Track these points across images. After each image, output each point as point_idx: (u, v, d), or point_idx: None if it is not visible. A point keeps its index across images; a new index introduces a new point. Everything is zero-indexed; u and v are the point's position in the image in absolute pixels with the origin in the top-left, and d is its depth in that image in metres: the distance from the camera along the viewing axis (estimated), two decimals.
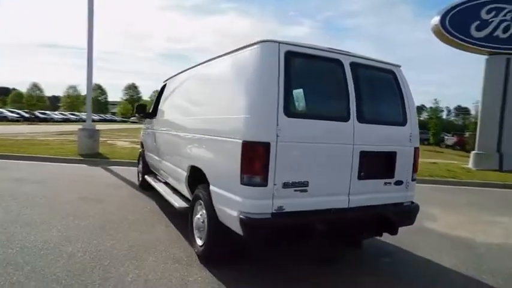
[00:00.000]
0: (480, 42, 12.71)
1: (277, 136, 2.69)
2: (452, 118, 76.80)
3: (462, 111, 72.62)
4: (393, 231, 3.23)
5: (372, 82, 3.28)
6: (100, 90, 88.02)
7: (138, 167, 7.03)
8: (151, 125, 5.89)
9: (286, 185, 2.75)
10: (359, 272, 3.46)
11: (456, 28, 12.79)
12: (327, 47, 3.11)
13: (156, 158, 5.50)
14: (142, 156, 6.71)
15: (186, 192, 4.12)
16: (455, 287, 3.35)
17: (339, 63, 3.10)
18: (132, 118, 71.31)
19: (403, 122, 3.41)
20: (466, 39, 12.79)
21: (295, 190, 2.79)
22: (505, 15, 12.72)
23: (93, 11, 10.59)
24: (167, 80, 5.69)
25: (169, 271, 3.26)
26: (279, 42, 2.84)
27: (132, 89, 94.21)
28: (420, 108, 56.39)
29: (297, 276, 3.29)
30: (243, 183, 2.70)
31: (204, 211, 3.45)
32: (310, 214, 2.86)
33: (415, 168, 3.48)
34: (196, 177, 3.77)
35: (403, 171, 3.38)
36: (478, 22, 12.76)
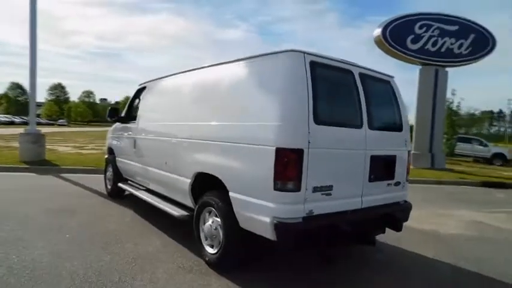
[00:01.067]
0: (415, 54, 14.17)
1: (309, 143, 2.81)
2: None
3: None
4: (398, 228, 3.54)
5: (375, 91, 3.56)
6: (20, 89, 79.41)
7: (105, 174, 6.59)
8: (129, 130, 5.58)
9: (315, 190, 2.89)
10: (363, 266, 3.73)
11: (395, 40, 14.09)
12: (340, 58, 3.32)
13: (137, 164, 5.24)
14: (111, 162, 6.31)
15: (185, 199, 4.02)
16: (445, 273, 3.77)
17: (351, 73, 3.34)
18: (60, 121, 65.43)
19: (400, 128, 3.76)
20: (403, 50, 14.16)
21: (322, 194, 2.94)
22: (433, 31, 14.36)
23: (36, 11, 9.62)
24: (147, 83, 5.45)
25: (186, 281, 3.19)
26: (304, 52, 2.97)
27: (59, 89, 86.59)
28: None
29: (309, 276, 3.44)
30: (276, 189, 2.76)
31: (217, 218, 3.43)
32: (334, 216, 3.03)
33: (408, 170, 3.85)
34: (202, 184, 3.73)
35: (401, 172, 3.72)
36: (412, 36, 14.22)
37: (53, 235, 4.19)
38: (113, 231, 4.48)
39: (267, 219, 2.81)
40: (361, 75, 3.41)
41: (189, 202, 3.97)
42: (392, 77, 3.86)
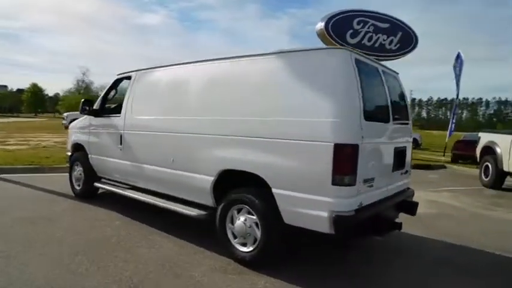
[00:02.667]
0: (354, 48, 15.23)
1: (362, 138, 2.92)
2: None
3: None
4: (414, 212, 3.89)
5: (392, 86, 3.83)
6: None
7: (71, 173, 5.88)
8: (110, 125, 5.05)
9: (364, 182, 3.04)
10: (373, 248, 4.06)
11: (336, 34, 14.93)
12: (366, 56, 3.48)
13: (124, 162, 4.79)
14: (81, 161, 5.66)
15: (202, 198, 3.85)
16: (437, 247, 4.27)
17: (377, 70, 3.53)
18: None
19: (407, 120, 4.10)
20: (343, 44, 15.06)
21: (368, 186, 3.10)
22: (368, 28, 15.55)
23: None
24: (132, 72, 4.94)
25: (230, 283, 3.11)
26: (350, 50, 3.05)
27: None
28: None
29: (343, 267, 3.63)
30: (334, 183, 2.83)
31: (252, 216, 3.38)
32: (376, 206, 3.22)
33: (410, 159, 4.23)
34: (227, 182, 3.61)
35: (408, 162, 4.08)
36: (351, 31, 15.22)
37: (47, 248, 3.66)
38: (111, 237, 4.08)
39: (324, 214, 2.87)
40: (382, 71, 3.64)
41: (207, 201, 3.81)
42: (397, 72, 4.16)
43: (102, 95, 5.49)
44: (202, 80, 3.88)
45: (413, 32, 16.87)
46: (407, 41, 16.88)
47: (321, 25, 15.61)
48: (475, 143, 12.31)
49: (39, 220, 4.53)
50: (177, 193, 4.16)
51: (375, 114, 3.25)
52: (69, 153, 6.11)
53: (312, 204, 2.96)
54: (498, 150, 8.90)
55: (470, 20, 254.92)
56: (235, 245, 3.53)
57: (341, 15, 15.48)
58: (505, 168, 8.56)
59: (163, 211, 4.34)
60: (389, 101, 3.56)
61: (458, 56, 15.70)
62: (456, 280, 3.41)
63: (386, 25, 16.59)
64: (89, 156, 5.52)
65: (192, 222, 4.20)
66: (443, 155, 15.88)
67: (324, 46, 3.23)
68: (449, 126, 15.77)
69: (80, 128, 5.81)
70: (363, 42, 15.78)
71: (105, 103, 5.50)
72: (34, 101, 75.49)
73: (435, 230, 4.92)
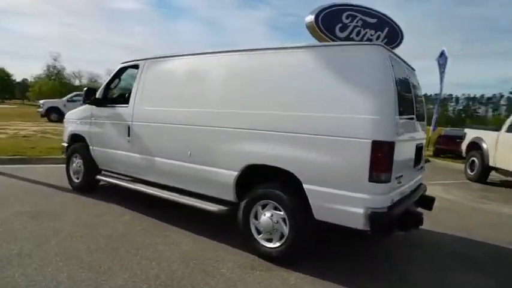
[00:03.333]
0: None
1: (397, 135, 2.93)
2: None
3: None
4: (431, 207, 3.97)
5: (414, 83, 3.86)
6: None
7: (69, 166, 5.60)
8: (116, 115, 4.83)
9: (396, 179, 3.05)
10: (389, 243, 4.13)
11: (326, 27, 14.88)
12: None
13: (132, 154, 4.61)
14: (80, 152, 5.41)
15: (222, 193, 3.76)
16: (449, 241, 4.41)
17: (404, 66, 3.55)
18: None
19: (424, 117, 4.15)
20: (333, 38, 15.14)
21: (397, 182, 3.13)
22: (357, 22, 15.57)
23: None
24: (141, 61, 4.72)
25: (260, 279, 3.08)
26: (384, 46, 3.03)
27: None
28: None
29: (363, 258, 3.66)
30: (372, 180, 2.83)
31: (279, 211, 3.34)
32: (404, 201, 3.26)
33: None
34: (250, 177, 3.55)
35: (423, 157, 4.15)
36: (340, 24, 15.20)
37: (61, 245, 3.48)
38: (126, 233, 3.92)
39: (360, 210, 2.87)
40: (406, 67, 3.66)
41: (228, 195, 3.72)
42: (415, 69, 4.20)
43: (104, 84, 5.21)
44: (228, 71, 3.75)
45: (399, 28, 17.17)
46: (393, 37, 17.15)
47: (311, 18, 15.58)
48: (457, 138, 12.74)
49: (41, 215, 4.29)
50: (193, 187, 4.04)
51: (404, 111, 3.26)
52: (66, 144, 5.81)
53: (346, 200, 2.95)
54: (484, 146, 9.27)
55: (443, 17, 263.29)
56: (260, 241, 3.48)
57: (330, 9, 15.48)
58: (491, 163, 8.93)
59: (171, 205, 4.25)
60: (413, 97, 3.59)
61: (442, 53, 16.13)
62: (480, 276, 3.50)
63: (374, 20, 16.78)
64: (90, 148, 5.27)
65: (206, 217, 4.13)
66: (427, 149, 16.41)
67: (359, 42, 3.18)
68: (433, 121, 16.27)
69: (79, 118, 5.52)
70: (351, 36, 15.92)
71: (107, 93, 5.24)
72: (1, 87, 71.51)
73: (440, 224, 5.06)
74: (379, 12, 16.38)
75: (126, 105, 4.71)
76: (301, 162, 3.18)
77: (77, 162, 5.48)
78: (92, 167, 5.31)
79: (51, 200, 4.99)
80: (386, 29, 16.32)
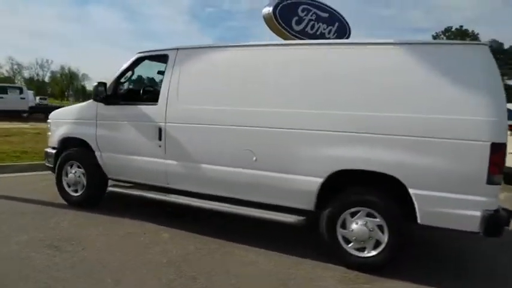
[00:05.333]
0: (298, 35, 15.33)
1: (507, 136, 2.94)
2: None
3: None
4: None
5: None
6: None
7: (62, 177, 4.59)
8: (140, 116, 4.07)
9: None
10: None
11: (283, 20, 14.89)
12: None
13: (170, 162, 3.92)
14: (81, 160, 4.49)
15: (299, 202, 3.42)
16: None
17: None
18: None
19: None
20: (289, 30, 15.10)
21: None
22: (311, 16, 15.86)
23: None
24: (171, 50, 3.99)
25: None
26: (487, 45, 3.00)
27: None
28: None
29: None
30: (489, 182, 2.80)
31: (374, 218, 3.15)
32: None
33: None
34: (337, 184, 3.28)
35: None
36: (296, 17, 15.31)
37: (128, 283, 2.80)
38: (185, 257, 3.32)
39: (477, 213, 2.83)
40: None
41: (306, 204, 3.39)
42: None
43: (115, 77, 4.32)
44: (308, 68, 3.36)
45: (347, 23, 17.98)
46: (342, 31, 17.92)
47: (268, 10, 15.37)
48: None
49: (58, 243, 3.43)
50: (259, 197, 3.58)
51: None
52: (53, 151, 4.76)
53: (461, 203, 2.88)
54: None
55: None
56: (350, 251, 3.25)
57: (287, 2, 15.51)
58: None
59: (209, 216, 3.90)
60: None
61: None
62: None
63: (326, 15, 17.23)
64: (97, 154, 4.38)
65: (263, 229, 3.79)
66: None
67: (463, 41, 3.11)
68: None
69: (76, 118, 4.55)
70: (306, 29, 16.15)
71: (119, 88, 4.40)
72: None
73: None
74: (330, 7, 16.88)
75: (155, 103, 3.99)
76: (407, 167, 3.01)
77: (75, 172, 4.52)
78: (98, 176, 4.44)
79: (53, 221, 4.02)
80: (337, 24, 16.92)
